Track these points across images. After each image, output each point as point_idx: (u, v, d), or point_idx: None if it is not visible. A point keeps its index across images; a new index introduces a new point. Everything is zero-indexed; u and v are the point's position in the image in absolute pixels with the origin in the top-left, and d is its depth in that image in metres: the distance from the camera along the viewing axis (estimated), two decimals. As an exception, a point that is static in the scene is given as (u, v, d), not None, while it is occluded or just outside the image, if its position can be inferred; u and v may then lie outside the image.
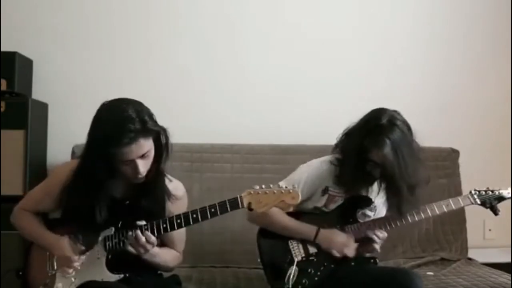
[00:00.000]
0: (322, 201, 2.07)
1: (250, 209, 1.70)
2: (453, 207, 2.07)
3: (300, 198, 1.70)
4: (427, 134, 2.98)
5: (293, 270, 1.92)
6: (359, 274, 1.95)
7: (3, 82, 2.57)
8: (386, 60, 3.09)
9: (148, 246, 1.73)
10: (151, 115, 1.72)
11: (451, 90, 3.13)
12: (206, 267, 2.49)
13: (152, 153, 1.72)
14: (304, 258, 1.99)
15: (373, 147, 1.89)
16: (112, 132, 1.63)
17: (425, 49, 3.12)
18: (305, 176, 2.06)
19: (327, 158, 2.09)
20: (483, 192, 2.09)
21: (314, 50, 3.03)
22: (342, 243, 1.98)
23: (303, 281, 1.93)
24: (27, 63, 2.78)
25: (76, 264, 1.77)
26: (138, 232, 1.72)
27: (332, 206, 2.07)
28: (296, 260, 1.97)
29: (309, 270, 1.96)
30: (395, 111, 1.98)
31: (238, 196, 1.71)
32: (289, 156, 2.56)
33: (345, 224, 2.03)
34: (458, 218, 2.82)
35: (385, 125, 1.89)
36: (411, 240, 2.75)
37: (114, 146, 1.63)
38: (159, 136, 1.73)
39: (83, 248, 1.78)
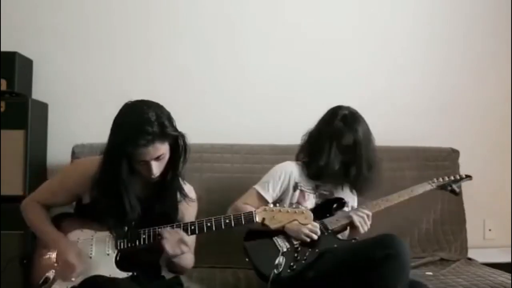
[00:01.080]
0: (295, 197, 2.24)
1: (263, 224, 1.80)
2: (418, 192, 2.33)
3: (312, 218, 1.84)
4: (427, 134, 3.02)
5: (280, 259, 2.01)
6: (344, 248, 2.06)
7: (3, 82, 2.57)
8: (386, 60, 3.09)
9: (184, 248, 1.78)
10: (170, 119, 1.77)
11: (451, 90, 3.13)
12: (206, 267, 2.49)
13: (167, 156, 1.77)
14: (289, 249, 2.09)
15: (345, 132, 2.18)
16: (131, 132, 1.69)
17: (425, 49, 3.13)
18: (276, 173, 2.28)
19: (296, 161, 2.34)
20: (441, 179, 2.38)
21: (314, 50, 3.03)
22: (310, 228, 2.07)
23: (291, 264, 2.02)
24: (27, 63, 2.78)
25: (78, 272, 1.77)
26: (180, 229, 1.78)
27: (307, 203, 2.22)
28: (281, 250, 2.07)
29: (296, 255, 2.06)
30: (348, 106, 2.28)
31: (254, 211, 1.81)
32: (289, 156, 2.55)
33: (323, 218, 2.20)
34: (458, 218, 2.82)
35: (349, 115, 2.22)
36: (411, 240, 2.75)
37: (131, 146, 1.69)
38: (176, 140, 1.78)
39: (90, 254, 1.80)
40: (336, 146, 2.19)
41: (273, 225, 1.80)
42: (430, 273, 2.42)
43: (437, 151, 2.92)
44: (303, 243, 2.09)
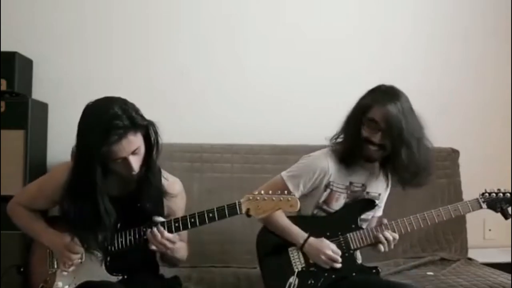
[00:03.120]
0: (323, 196, 2.04)
1: (248, 215, 1.72)
2: (461, 212, 2.07)
3: (299, 206, 1.71)
4: (427, 134, 3.00)
5: (293, 281, 1.90)
6: (361, 283, 1.93)
7: (3, 82, 2.57)
8: (386, 60, 3.09)
9: (168, 244, 1.73)
10: (137, 111, 1.71)
11: (451, 90, 3.13)
12: (206, 267, 2.49)
13: (142, 149, 1.72)
14: (304, 268, 1.96)
15: (373, 104, 1.93)
16: (100, 131, 1.62)
17: (425, 49, 3.12)
18: (310, 169, 2.03)
19: (328, 149, 2.08)
20: (494, 195, 2.04)
21: (314, 50, 3.03)
22: (329, 256, 1.94)
23: None
24: (27, 63, 2.78)
25: (76, 262, 1.78)
26: (155, 229, 1.73)
27: (335, 205, 2.04)
28: (296, 270, 1.95)
29: (309, 282, 1.93)
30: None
31: (237, 202, 1.73)
32: (289, 156, 2.56)
33: (347, 231, 2.01)
34: (458, 218, 2.81)
35: (384, 88, 1.98)
36: (411, 240, 2.75)
37: (104, 145, 1.62)
38: (148, 131, 1.71)
39: (79, 249, 1.78)
40: (361, 120, 1.95)
41: (258, 216, 1.73)
42: (431, 273, 2.42)
43: (437, 151, 2.89)
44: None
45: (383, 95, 1.97)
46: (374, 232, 1.99)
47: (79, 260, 1.79)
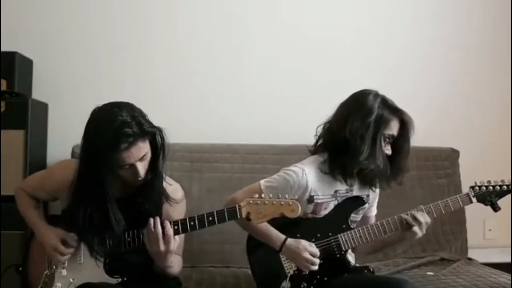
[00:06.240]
0: (309, 209, 2.01)
1: (248, 219, 1.69)
2: (452, 208, 2.02)
3: (299, 211, 1.68)
4: (427, 134, 3.01)
5: (285, 285, 1.89)
6: (352, 284, 1.91)
7: (3, 82, 2.57)
8: (387, 60, 3.09)
9: (162, 246, 1.69)
10: (144, 116, 1.71)
11: (451, 90, 3.13)
12: (206, 267, 2.49)
13: (149, 155, 1.71)
14: (296, 272, 1.94)
15: (392, 117, 1.98)
16: (110, 138, 1.61)
17: (426, 48, 3.12)
18: (288, 183, 1.96)
19: (310, 162, 2.03)
20: (484, 188, 1.99)
21: (315, 50, 3.03)
22: (306, 259, 1.89)
23: None
24: (27, 63, 2.78)
25: (64, 257, 1.77)
26: (153, 221, 1.70)
27: (323, 212, 2.02)
28: (288, 274, 1.93)
29: (302, 285, 1.93)
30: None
31: (237, 206, 1.70)
32: (289, 156, 2.55)
33: (338, 232, 1.98)
34: (458, 218, 2.82)
35: (386, 98, 2.05)
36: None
37: (113, 152, 1.61)
38: (155, 137, 1.71)
39: (74, 245, 1.79)
40: (382, 136, 1.94)
41: (258, 220, 1.69)
42: (431, 273, 2.42)
43: (437, 151, 2.92)
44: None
45: (389, 103, 2.03)
46: (402, 216, 1.95)
47: (68, 256, 1.78)
